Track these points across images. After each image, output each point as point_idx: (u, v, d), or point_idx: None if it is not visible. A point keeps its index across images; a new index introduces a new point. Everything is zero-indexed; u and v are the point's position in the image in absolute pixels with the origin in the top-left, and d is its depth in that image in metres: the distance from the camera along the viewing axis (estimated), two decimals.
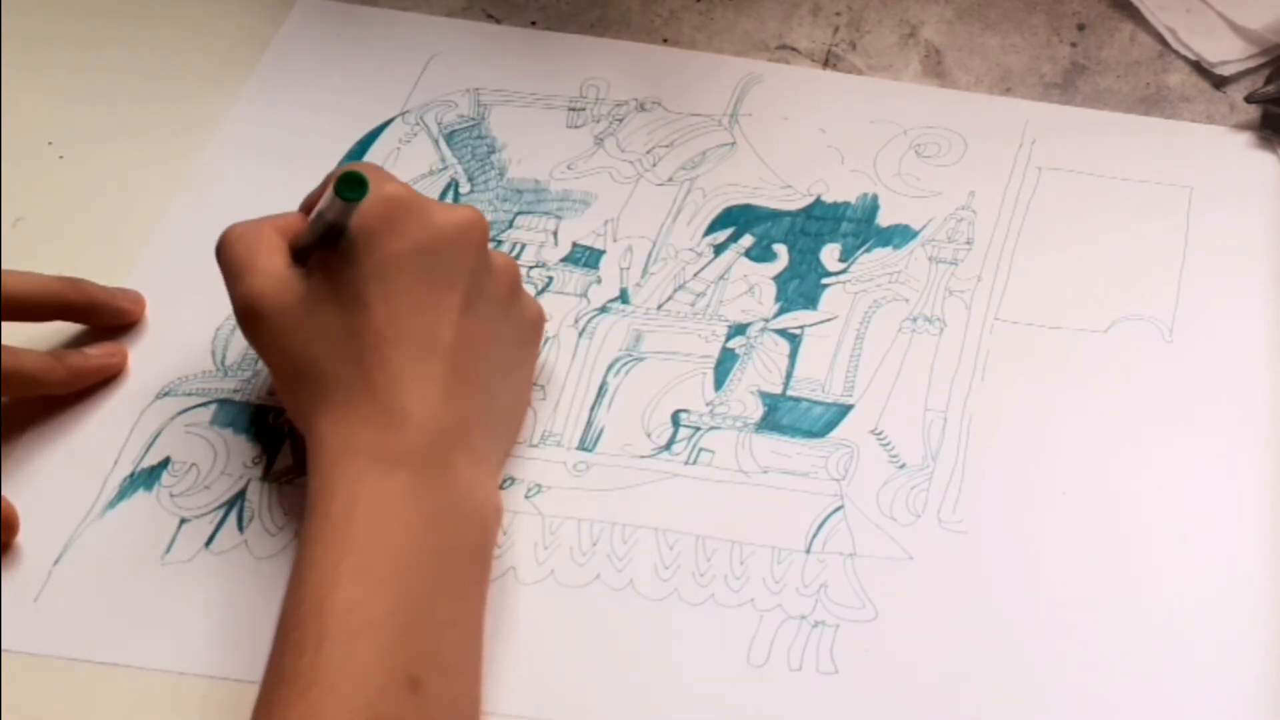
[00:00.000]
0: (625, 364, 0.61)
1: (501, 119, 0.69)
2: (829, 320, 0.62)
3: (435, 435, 0.51)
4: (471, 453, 0.53)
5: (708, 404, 0.60)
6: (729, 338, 0.62)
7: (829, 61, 0.72)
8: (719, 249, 0.64)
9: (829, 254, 0.64)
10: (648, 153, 0.68)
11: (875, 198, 0.66)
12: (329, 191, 0.50)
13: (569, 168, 0.67)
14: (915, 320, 0.62)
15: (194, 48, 0.71)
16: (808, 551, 0.56)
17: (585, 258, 0.64)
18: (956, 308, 0.63)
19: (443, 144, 0.68)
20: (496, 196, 0.66)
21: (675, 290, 0.63)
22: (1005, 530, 0.56)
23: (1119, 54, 0.72)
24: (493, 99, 0.70)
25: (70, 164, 0.66)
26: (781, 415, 0.59)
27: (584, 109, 0.69)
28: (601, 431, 0.59)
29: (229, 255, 0.54)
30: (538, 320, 0.58)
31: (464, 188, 0.66)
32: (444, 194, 0.66)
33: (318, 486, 0.50)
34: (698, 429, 0.59)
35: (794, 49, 0.72)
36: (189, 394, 0.59)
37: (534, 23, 0.73)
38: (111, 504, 0.56)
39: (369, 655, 0.46)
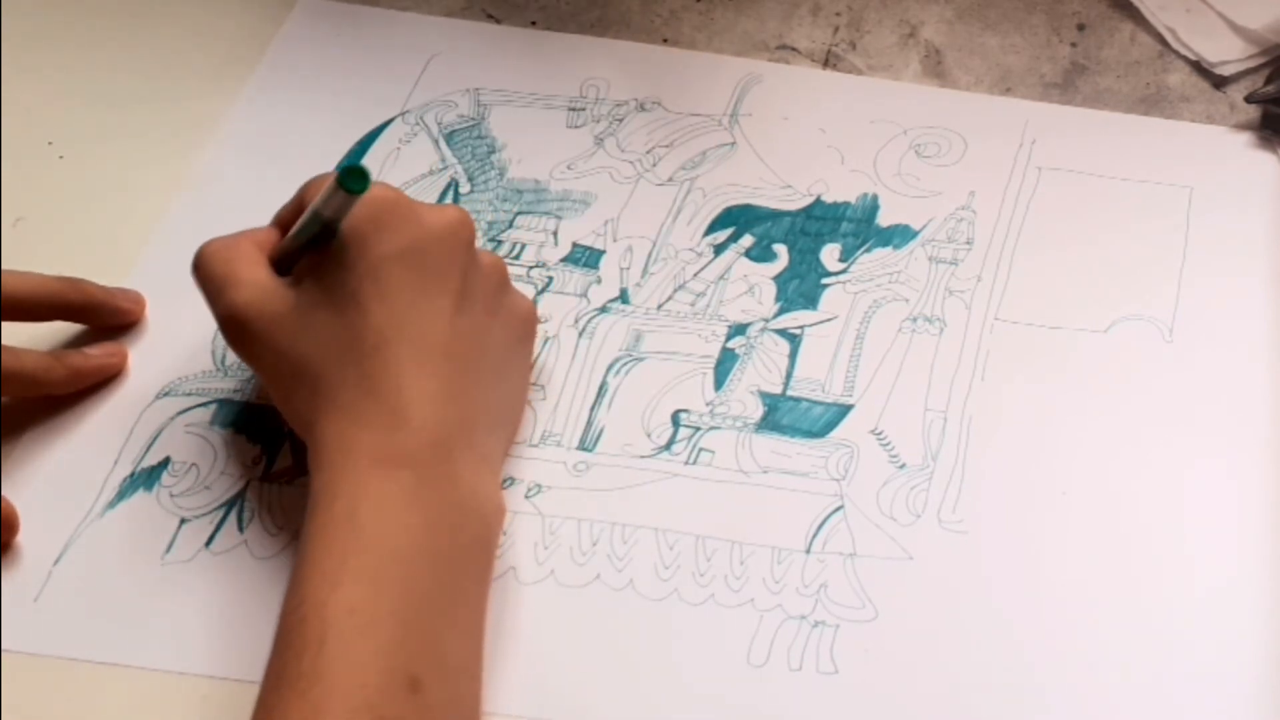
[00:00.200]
0: (625, 364, 0.61)
1: (501, 119, 0.69)
2: (829, 320, 0.62)
3: (437, 435, 0.51)
4: (473, 452, 0.53)
5: (708, 404, 0.60)
6: (729, 338, 0.62)
7: (829, 61, 0.72)
8: (719, 249, 0.65)
9: (829, 254, 0.64)
10: (648, 153, 0.68)
11: (875, 198, 0.66)
12: (330, 186, 0.50)
13: (569, 168, 0.67)
14: (915, 320, 0.62)
15: (194, 48, 0.71)
16: (808, 551, 0.56)
17: (585, 258, 0.64)
18: (956, 308, 0.63)
19: (443, 144, 0.68)
20: (496, 196, 0.66)
21: (675, 290, 0.63)
22: (1005, 530, 0.56)
23: (1119, 54, 0.72)
24: (493, 99, 0.70)
25: (70, 164, 0.66)
26: (781, 415, 0.59)
27: (584, 109, 0.69)
28: (601, 431, 0.59)
29: (208, 271, 0.54)
30: (529, 317, 0.58)
31: (464, 188, 0.66)
32: (444, 194, 0.66)
33: (320, 488, 0.50)
34: (698, 429, 0.59)
35: (794, 49, 0.72)
36: (189, 394, 0.59)
37: (534, 23, 0.73)
38: (111, 504, 0.56)
39: (370, 655, 0.46)
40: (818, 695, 0.52)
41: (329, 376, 0.51)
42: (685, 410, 0.59)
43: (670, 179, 0.67)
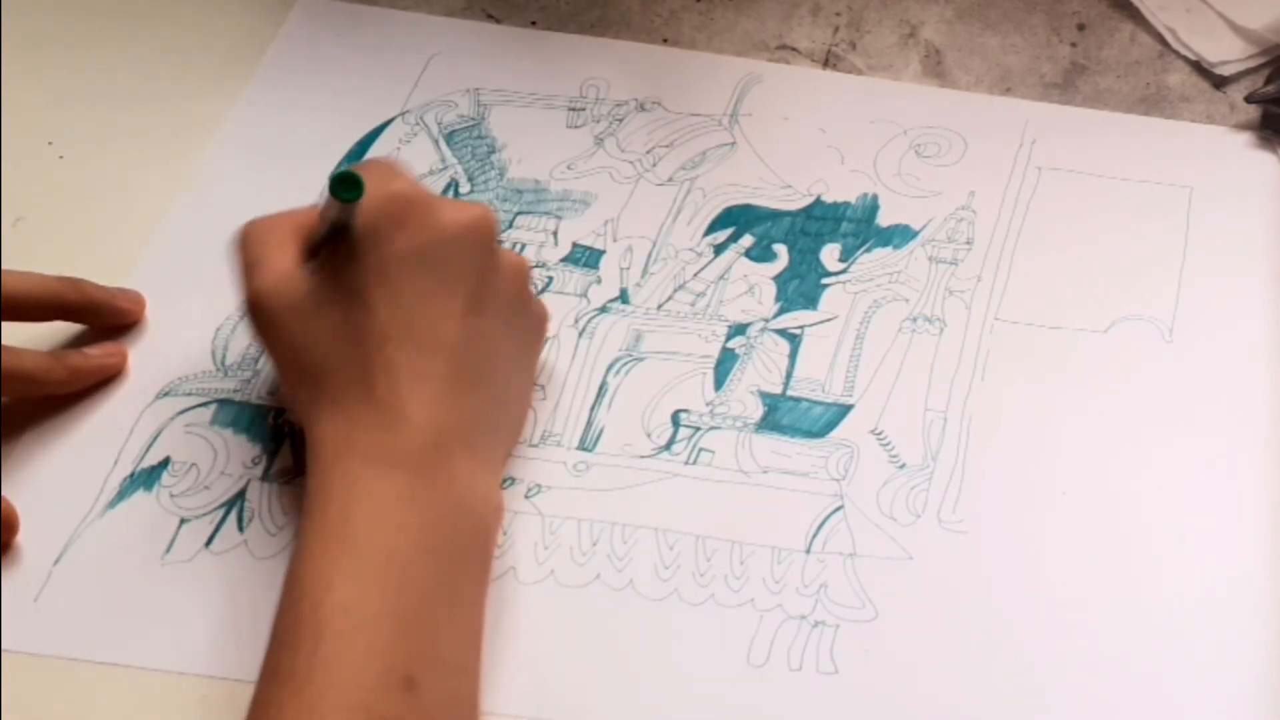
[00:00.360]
0: (625, 364, 0.61)
1: (501, 119, 0.69)
2: (829, 320, 0.62)
3: (434, 436, 0.51)
4: (472, 453, 0.52)
5: (708, 404, 0.60)
6: (729, 338, 0.62)
7: (829, 61, 0.72)
8: (719, 249, 0.65)
9: (829, 254, 0.64)
10: (648, 153, 0.68)
11: (875, 198, 0.66)
12: (325, 192, 0.50)
13: (569, 168, 0.67)
14: (915, 320, 0.62)
15: (194, 48, 0.71)
16: (808, 551, 0.56)
17: (585, 258, 0.64)
18: (956, 308, 0.63)
19: (443, 144, 0.68)
20: (496, 196, 0.66)
21: (675, 290, 0.63)
22: (1005, 530, 0.56)
23: (1119, 54, 0.72)
24: (493, 99, 0.70)
25: (70, 164, 0.66)
26: (781, 415, 0.59)
27: (584, 109, 0.69)
28: (601, 431, 0.59)
29: (241, 252, 0.54)
30: (542, 319, 0.58)
31: (464, 188, 0.66)
32: (444, 194, 0.66)
33: (315, 486, 0.50)
34: (698, 429, 0.59)
35: (794, 49, 0.72)
36: (189, 394, 0.59)
37: (534, 23, 0.73)
38: (111, 504, 0.56)
39: (365, 655, 0.46)
40: (818, 695, 0.52)
41: (331, 372, 0.51)
42: (685, 410, 0.59)
43: (670, 179, 0.67)
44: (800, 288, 0.63)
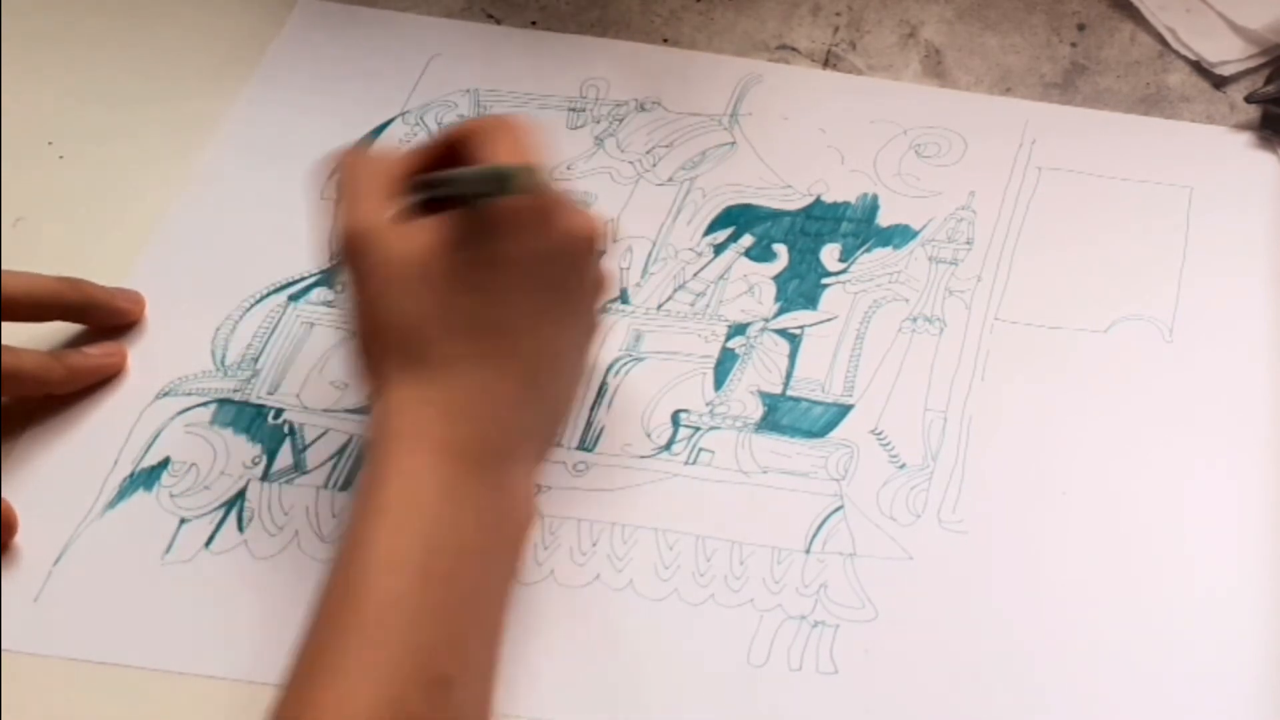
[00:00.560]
0: (625, 364, 0.61)
1: None
2: (829, 320, 0.62)
3: (500, 439, 0.50)
4: (524, 458, 0.52)
5: (707, 404, 0.60)
6: (729, 338, 0.62)
7: (829, 61, 0.72)
8: (719, 249, 0.64)
9: (829, 254, 0.64)
10: (648, 153, 0.68)
11: (875, 198, 0.66)
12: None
13: (569, 168, 0.67)
14: (915, 320, 0.62)
15: (194, 48, 0.71)
16: (807, 551, 0.56)
17: None
18: (956, 308, 0.63)
19: None
20: None
21: (675, 290, 0.63)
22: (1005, 530, 0.56)
23: (1119, 54, 0.72)
24: (492, 99, 0.70)
25: (70, 164, 0.66)
26: (781, 415, 0.59)
27: (584, 109, 0.69)
28: (601, 431, 0.59)
29: (349, 179, 0.51)
30: (599, 330, 0.57)
31: None
32: None
33: (375, 465, 0.49)
34: (697, 429, 0.59)
35: (794, 49, 0.72)
36: (189, 394, 0.59)
37: (534, 23, 0.73)
38: (111, 504, 0.56)
39: (404, 650, 0.45)
40: (818, 695, 0.52)
41: (424, 344, 0.50)
42: (685, 410, 0.59)
43: (670, 179, 0.67)
44: (800, 288, 0.63)
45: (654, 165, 0.67)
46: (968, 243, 0.65)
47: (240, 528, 0.56)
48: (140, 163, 0.66)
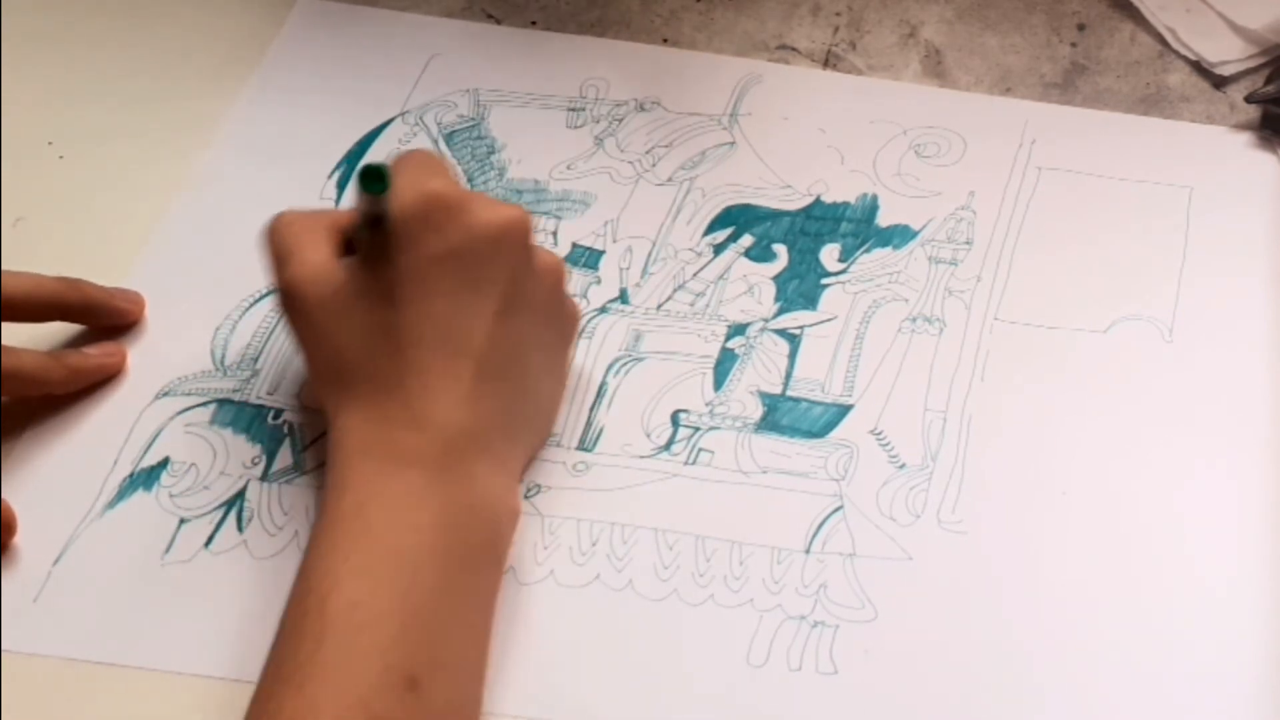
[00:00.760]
0: (625, 364, 0.61)
1: (501, 119, 0.69)
2: (828, 320, 0.62)
3: (454, 438, 0.51)
4: (492, 456, 0.52)
5: (707, 404, 0.60)
6: (728, 338, 0.62)
7: (829, 61, 0.72)
8: (718, 249, 0.64)
9: (829, 254, 0.64)
10: (647, 153, 0.68)
11: (875, 198, 0.66)
12: (354, 186, 0.50)
13: (569, 168, 0.67)
14: (915, 320, 0.62)
15: (194, 48, 0.71)
16: (807, 552, 0.56)
17: (585, 258, 0.64)
18: (956, 308, 0.63)
19: (442, 144, 0.68)
20: (496, 197, 0.66)
21: (675, 290, 0.63)
22: (1005, 530, 0.56)
23: (1119, 54, 0.72)
24: (492, 99, 0.70)
25: (70, 164, 0.66)
26: (781, 415, 0.59)
27: (584, 109, 0.69)
28: (601, 431, 0.59)
29: (273, 241, 0.54)
30: (573, 320, 0.58)
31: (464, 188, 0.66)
32: None
33: (333, 480, 0.50)
34: (697, 429, 0.59)
35: (794, 49, 0.72)
36: (188, 394, 0.59)
37: (534, 23, 0.73)
38: (111, 504, 0.56)
39: (368, 653, 0.46)
40: (817, 695, 0.52)
41: (357, 368, 0.51)
42: (685, 410, 0.59)
43: (670, 179, 0.67)
44: (800, 288, 0.63)
45: (654, 165, 0.67)
46: (967, 243, 0.65)
47: (240, 528, 0.56)
48: (140, 163, 0.66)
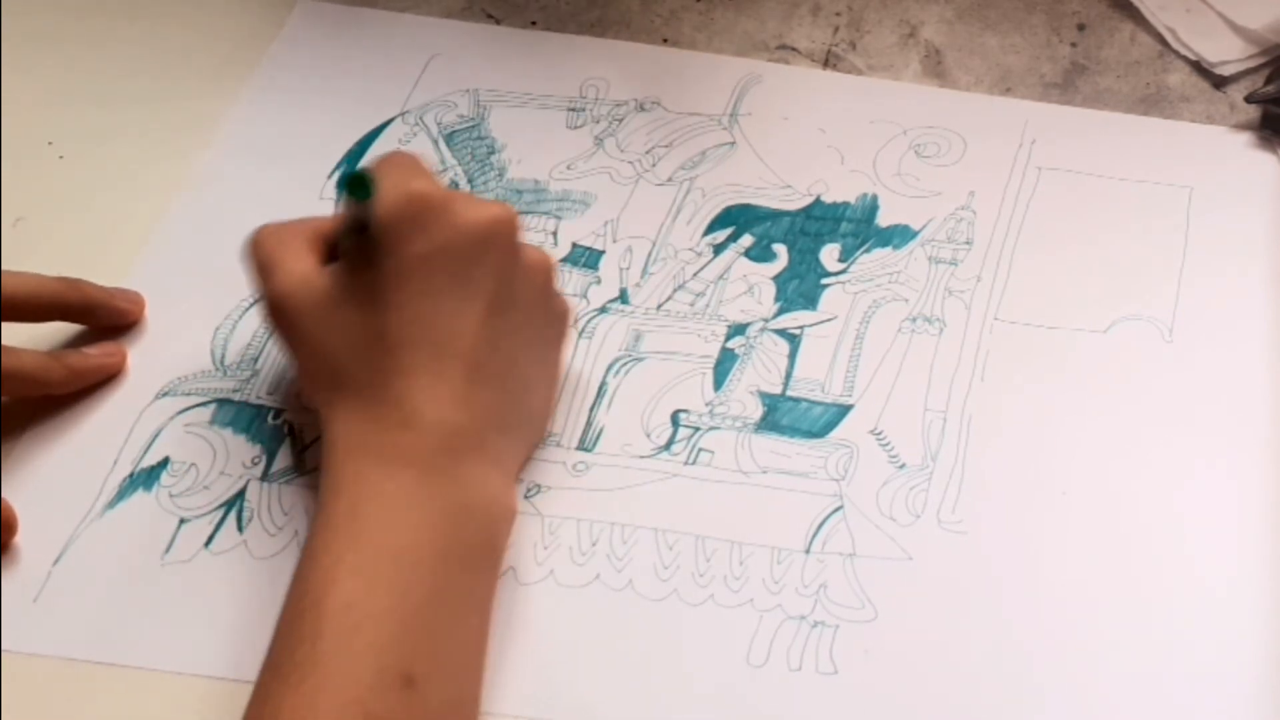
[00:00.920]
0: (625, 364, 0.61)
1: (501, 119, 0.69)
2: (828, 320, 0.62)
3: (447, 438, 0.51)
4: (485, 454, 0.53)
5: (707, 404, 0.60)
6: (728, 338, 0.62)
7: (829, 61, 0.72)
8: (718, 249, 0.65)
9: (828, 254, 0.64)
10: (647, 153, 0.68)
11: (875, 198, 0.66)
12: (340, 192, 0.50)
13: (569, 168, 0.67)
14: (915, 320, 0.62)
15: (194, 48, 0.71)
16: (807, 552, 0.56)
17: (585, 258, 0.64)
18: (956, 308, 0.63)
19: (442, 144, 0.68)
20: (496, 197, 0.66)
21: (675, 290, 0.63)
22: (1005, 530, 0.56)
23: (1119, 54, 0.72)
24: (492, 99, 0.70)
25: (70, 164, 0.66)
26: (781, 415, 0.59)
27: (584, 109, 0.69)
28: (601, 431, 0.59)
29: (256, 254, 0.54)
30: (564, 317, 0.58)
31: (463, 188, 0.66)
32: None
33: (328, 482, 0.50)
34: (697, 429, 0.59)
35: (794, 49, 0.72)
36: (188, 394, 0.59)
37: (534, 23, 0.73)
38: (111, 504, 0.56)
39: (364, 652, 0.46)
40: (817, 695, 0.52)
41: (348, 370, 0.52)
42: (685, 410, 0.59)
43: (670, 179, 0.67)
44: (800, 288, 0.63)
45: (654, 165, 0.67)
46: (967, 243, 0.65)
47: (240, 528, 0.56)
48: (140, 163, 0.66)
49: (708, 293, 0.63)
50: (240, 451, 0.58)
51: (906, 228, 0.65)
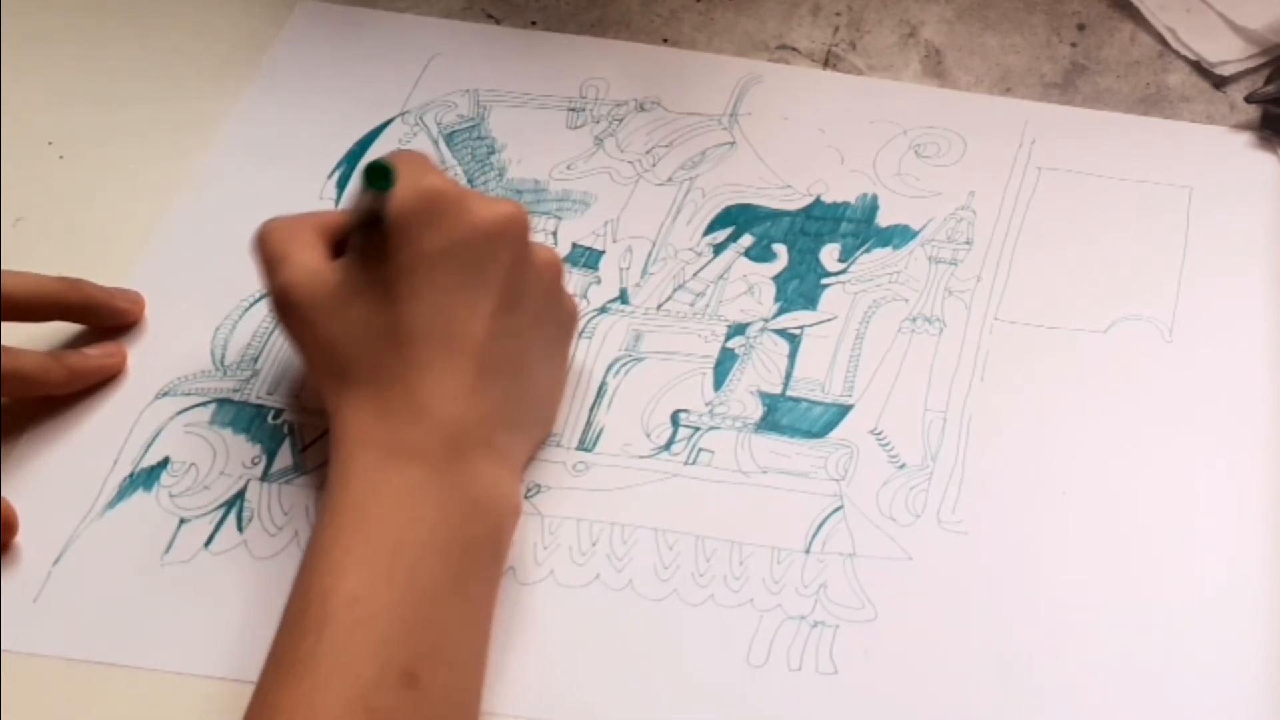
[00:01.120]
0: (625, 364, 0.61)
1: (501, 119, 0.69)
2: (828, 320, 0.62)
3: (454, 432, 0.51)
4: (493, 450, 0.53)
5: (707, 404, 0.60)
6: (728, 338, 0.62)
7: (829, 61, 0.72)
8: (718, 249, 0.65)
9: (828, 254, 0.64)
10: (647, 153, 0.68)
11: (875, 198, 0.66)
12: (357, 183, 0.50)
13: (569, 168, 0.67)
14: (915, 320, 0.62)
15: (194, 48, 0.71)
16: (807, 552, 0.56)
17: (585, 258, 0.64)
18: (956, 308, 0.63)
19: (442, 145, 0.68)
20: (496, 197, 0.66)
21: (675, 290, 0.63)
22: (1005, 530, 0.56)
23: (1119, 54, 0.72)
24: (492, 99, 0.70)
25: (70, 164, 0.66)
26: (781, 415, 0.59)
27: (584, 109, 0.69)
28: (601, 431, 0.59)
29: (263, 248, 0.54)
30: (572, 316, 0.58)
31: None
32: None
33: (335, 476, 0.50)
34: (697, 429, 0.59)
35: (794, 49, 0.72)
36: (188, 394, 0.59)
37: (534, 23, 0.73)
38: (111, 504, 0.56)
39: (367, 647, 0.46)
40: (817, 695, 0.52)
41: (357, 365, 0.52)
42: (685, 410, 0.59)
43: (670, 179, 0.67)
44: (800, 288, 0.63)
45: (654, 165, 0.67)
46: (967, 243, 0.65)
47: (240, 528, 0.56)
48: (140, 163, 0.66)
49: (708, 293, 0.63)
50: (240, 451, 0.58)
51: (906, 228, 0.65)
